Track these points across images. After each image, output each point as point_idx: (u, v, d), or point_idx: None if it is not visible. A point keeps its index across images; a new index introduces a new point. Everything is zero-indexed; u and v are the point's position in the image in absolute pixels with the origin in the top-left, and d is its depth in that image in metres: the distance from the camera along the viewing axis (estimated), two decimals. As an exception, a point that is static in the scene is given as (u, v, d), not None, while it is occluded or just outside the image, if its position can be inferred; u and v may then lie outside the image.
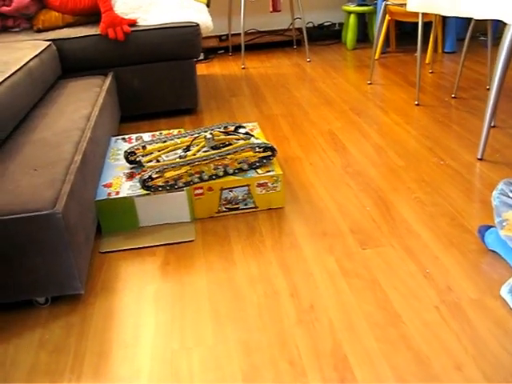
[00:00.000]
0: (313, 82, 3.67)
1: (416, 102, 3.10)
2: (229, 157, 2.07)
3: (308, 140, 2.70)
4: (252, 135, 2.25)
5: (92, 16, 3.07)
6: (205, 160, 2.02)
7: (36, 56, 2.42)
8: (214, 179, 2.02)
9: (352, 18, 4.39)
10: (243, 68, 4.17)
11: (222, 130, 2.31)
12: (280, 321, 1.51)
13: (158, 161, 2.10)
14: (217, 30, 4.51)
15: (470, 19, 2.87)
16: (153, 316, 1.57)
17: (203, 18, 3.00)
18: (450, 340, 1.40)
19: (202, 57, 4.41)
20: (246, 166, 2.07)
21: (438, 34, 4.11)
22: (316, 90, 3.50)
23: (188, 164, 2.00)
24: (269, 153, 2.12)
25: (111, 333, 1.51)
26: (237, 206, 2.06)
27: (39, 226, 1.46)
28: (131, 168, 2.16)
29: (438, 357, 1.35)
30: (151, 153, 2.18)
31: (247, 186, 2.02)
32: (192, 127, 2.96)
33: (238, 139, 2.22)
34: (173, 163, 2.00)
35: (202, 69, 4.20)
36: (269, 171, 2.05)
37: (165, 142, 2.25)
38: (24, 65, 2.23)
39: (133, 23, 2.88)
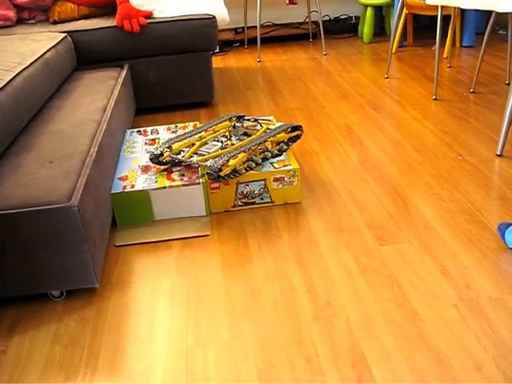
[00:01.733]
0: (329, 76, 3.64)
1: (434, 97, 3.06)
2: (269, 139, 2.11)
3: (324, 134, 2.68)
4: (267, 120, 2.36)
5: (107, 8, 3.06)
6: (254, 145, 2.05)
7: (52, 48, 2.41)
8: (263, 162, 2.07)
9: (369, 11, 4.35)
10: (259, 61, 4.14)
11: (246, 119, 2.39)
12: (296, 317, 1.49)
13: (200, 154, 2.07)
14: (232, 22, 4.51)
15: (491, 12, 2.82)
16: (168, 311, 1.55)
17: (219, 11, 2.98)
18: (469, 339, 1.38)
19: (217, 49, 4.39)
20: (285, 147, 2.15)
21: (457, 28, 4.06)
22: (332, 83, 3.47)
23: (243, 151, 2.01)
24: (297, 132, 2.22)
25: (126, 327, 1.50)
26: (253, 201, 2.04)
27: (55, 219, 1.45)
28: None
29: (457, 356, 1.33)
30: (181, 150, 2.13)
31: (263, 180, 2.00)
32: (208, 120, 2.94)
33: (261, 124, 2.33)
34: (231, 151, 1.99)
35: (217, 62, 4.18)
36: (285, 165, 2.03)
37: (189, 137, 2.21)
38: (40, 56, 2.23)
39: (148, 15, 2.87)
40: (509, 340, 1.36)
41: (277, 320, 1.49)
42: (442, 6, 2.84)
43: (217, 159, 1.92)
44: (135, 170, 2.08)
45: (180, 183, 1.97)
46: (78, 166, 1.65)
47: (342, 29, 4.82)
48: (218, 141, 2.17)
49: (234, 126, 2.22)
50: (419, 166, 2.28)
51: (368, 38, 4.45)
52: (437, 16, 2.94)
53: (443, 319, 1.45)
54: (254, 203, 2.05)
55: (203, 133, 2.23)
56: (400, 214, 1.95)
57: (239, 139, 2.20)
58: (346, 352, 1.37)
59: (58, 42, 2.52)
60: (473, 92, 3.12)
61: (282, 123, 2.25)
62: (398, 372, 1.30)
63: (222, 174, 1.91)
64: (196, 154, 2.09)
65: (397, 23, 3.47)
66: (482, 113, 2.80)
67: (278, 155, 2.12)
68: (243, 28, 4.64)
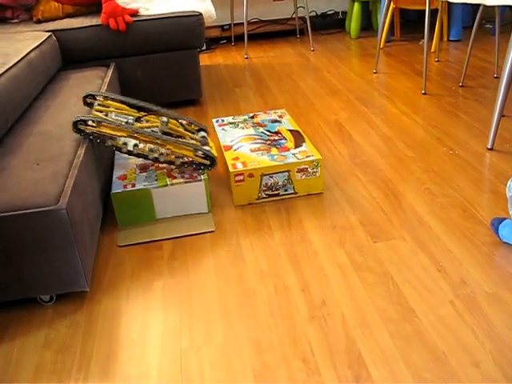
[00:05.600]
0: (317, 72, 3.62)
1: (423, 91, 3.05)
2: (168, 146, 1.95)
3: (314, 130, 2.66)
4: (207, 142, 2.14)
5: (92, 6, 3.01)
6: (147, 135, 1.91)
7: (36, 47, 2.37)
8: (141, 157, 1.96)
9: (356, 7, 4.33)
10: (246, 58, 4.12)
11: (184, 122, 2.20)
12: (291, 317, 1.47)
13: (106, 115, 1.99)
14: (219, 19, 4.47)
15: (478, 6, 2.82)
16: (160, 313, 1.53)
17: (206, 8, 2.95)
18: (466, 335, 1.36)
19: (204, 47, 4.36)
20: (178, 162, 1.97)
21: (444, 22, 4.05)
22: (321, 79, 3.45)
23: (127, 130, 1.89)
24: (207, 162, 1.98)
25: (118, 331, 1.48)
26: (277, 192, 2.04)
27: (43, 222, 1.42)
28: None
29: (454, 353, 1.32)
30: (108, 106, 2.09)
31: (288, 171, 2.01)
32: (196, 118, 2.91)
33: (192, 138, 2.12)
34: (114, 122, 1.89)
35: (204, 59, 4.15)
36: (308, 156, 2.03)
37: (128, 104, 2.16)
38: (24, 56, 2.19)
39: (134, 13, 2.83)
40: (506, 335, 1.35)
41: (271, 321, 1.46)
42: (429, 0, 2.83)
43: (94, 117, 1.85)
44: (133, 169, 2.05)
45: (181, 180, 1.94)
46: (65, 168, 1.61)
47: (329, 24, 4.80)
48: (136, 120, 2.05)
49: (166, 121, 2.06)
50: (410, 161, 2.26)
51: (355, 34, 4.44)
52: (423, 10, 2.93)
53: (439, 316, 1.43)
54: (278, 195, 2.06)
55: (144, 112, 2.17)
56: (393, 210, 1.93)
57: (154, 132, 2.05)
58: (342, 351, 1.35)
59: (42, 42, 2.47)
60: (462, 86, 3.11)
61: (207, 148, 2.03)
62: (396, 370, 1.28)
63: (82, 127, 1.84)
64: (106, 114, 2.02)
65: (384, 18, 3.45)
66: (472, 106, 2.80)
67: (162, 162, 1.98)
68: (230, 25, 4.61)
